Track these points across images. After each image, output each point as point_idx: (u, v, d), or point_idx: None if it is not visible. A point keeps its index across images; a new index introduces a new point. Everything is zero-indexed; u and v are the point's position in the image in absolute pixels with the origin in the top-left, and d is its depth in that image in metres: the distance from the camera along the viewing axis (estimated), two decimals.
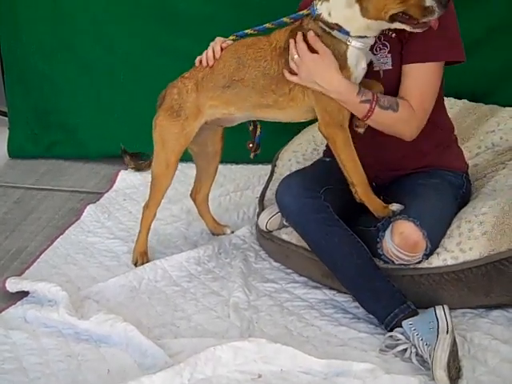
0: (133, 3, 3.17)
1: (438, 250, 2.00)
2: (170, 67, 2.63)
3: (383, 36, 1.99)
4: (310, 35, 1.94)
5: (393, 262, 1.98)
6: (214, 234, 2.58)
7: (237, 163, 3.25)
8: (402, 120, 1.98)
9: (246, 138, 3.08)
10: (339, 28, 1.91)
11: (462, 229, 2.01)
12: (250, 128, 2.28)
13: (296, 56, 1.95)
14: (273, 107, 2.07)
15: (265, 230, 2.37)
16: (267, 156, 2.87)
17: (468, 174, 2.25)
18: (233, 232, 2.57)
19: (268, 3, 2.90)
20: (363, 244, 2.03)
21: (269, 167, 2.78)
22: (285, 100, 2.04)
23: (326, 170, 2.19)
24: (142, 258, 2.39)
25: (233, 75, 2.07)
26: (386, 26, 1.89)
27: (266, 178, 2.70)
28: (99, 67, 3.29)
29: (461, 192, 2.17)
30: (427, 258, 1.99)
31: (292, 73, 1.98)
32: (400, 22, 1.85)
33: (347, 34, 1.91)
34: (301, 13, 2.01)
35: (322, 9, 1.93)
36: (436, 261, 1.99)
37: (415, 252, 1.93)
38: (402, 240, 1.91)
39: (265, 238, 2.40)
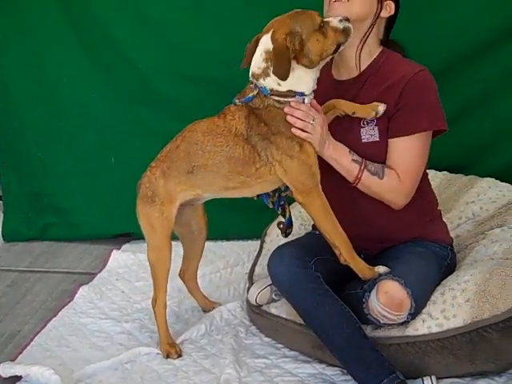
0: (123, 88, 3.30)
1: (424, 316, 2.03)
2: (159, 150, 2.71)
3: None
4: (291, 105, 2.00)
5: (379, 321, 2.00)
6: (205, 311, 2.60)
7: (227, 239, 3.33)
8: (388, 188, 2.08)
9: (236, 214, 3.18)
10: (294, 94, 2.01)
11: (445, 296, 2.05)
12: (279, 212, 2.28)
13: (312, 120, 2.00)
14: (240, 187, 2.13)
15: (254, 304, 2.40)
16: (256, 232, 2.96)
17: (453, 247, 2.32)
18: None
19: None
20: (352, 314, 2.07)
21: (258, 243, 2.83)
22: (252, 179, 2.09)
23: (316, 241, 2.23)
24: (173, 349, 2.33)
25: (193, 161, 2.12)
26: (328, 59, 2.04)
27: (256, 253, 2.75)
28: (91, 151, 3.39)
29: (445, 263, 2.22)
30: (412, 318, 2.01)
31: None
32: (336, 50, 2.03)
33: (303, 94, 2.02)
34: (250, 95, 2.04)
35: (269, 83, 2.01)
36: (421, 328, 2.02)
37: (400, 311, 1.96)
38: (387, 299, 1.94)
39: (255, 312, 2.43)
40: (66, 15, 3.23)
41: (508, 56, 2.96)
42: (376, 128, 2.10)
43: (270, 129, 2.02)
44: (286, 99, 2.01)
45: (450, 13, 2.90)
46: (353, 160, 2.07)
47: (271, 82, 2.00)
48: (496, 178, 2.82)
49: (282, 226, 2.28)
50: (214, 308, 2.58)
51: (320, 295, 2.07)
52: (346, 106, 2.10)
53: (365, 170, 2.06)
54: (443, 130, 2.12)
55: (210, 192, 2.20)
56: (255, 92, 2.03)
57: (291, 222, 2.29)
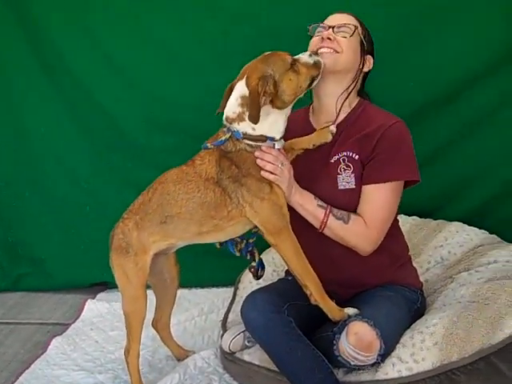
0: (98, 138, 3.35)
1: (393, 360, 2.06)
2: (134, 198, 2.74)
3: (347, 158, 2.17)
4: (262, 150, 2.06)
5: (349, 363, 2.02)
6: (179, 360, 2.59)
7: (202, 287, 3.34)
8: (353, 233, 2.13)
9: (210, 260, 3.20)
10: (265, 138, 2.06)
11: (414, 339, 2.08)
12: (248, 258, 2.30)
13: (281, 165, 2.05)
14: (213, 231, 2.15)
15: (228, 351, 2.40)
16: (231, 278, 2.98)
17: (423, 291, 2.36)
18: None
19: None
20: (324, 359, 2.08)
21: (232, 290, 2.85)
22: (224, 222, 2.11)
23: (289, 286, 2.26)
24: None
25: (166, 212, 2.13)
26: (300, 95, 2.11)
27: (229, 300, 2.76)
28: (66, 200, 3.41)
29: (415, 306, 2.26)
30: (382, 360, 2.03)
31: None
32: (310, 84, 2.11)
33: (273, 139, 2.07)
34: (222, 139, 2.08)
35: (244, 127, 2.06)
36: (392, 372, 2.04)
37: (370, 352, 1.98)
38: (357, 340, 1.97)
39: (228, 359, 2.43)
40: (43, 67, 3.30)
41: (471, 108, 3.07)
42: (352, 175, 2.16)
43: (240, 171, 2.06)
44: (257, 143, 2.07)
45: (422, 57, 3.01)
46: (318, 205, 2.13)
47: (246, 127, 2.06)
48: (464, 222, 2.90)
49: (253, 269, 2.30)
50: (187, 356, 2.57)
51: (293, 340, 2.09)
52: (303, 143, 2.18)
53: (330, 215, 2.12)
54: (416, 180, 2.18)
55: (184, 239, 2.22)
56: (228, 135, 2.08)
57: (263, 265, 2.31)
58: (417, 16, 2.98)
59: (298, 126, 2.24)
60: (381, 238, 2.16)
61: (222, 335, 2.49)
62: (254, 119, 2.00)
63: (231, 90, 2.10)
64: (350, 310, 2.10)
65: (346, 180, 2.16)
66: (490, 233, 2.85)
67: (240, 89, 2.06)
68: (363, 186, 2.15)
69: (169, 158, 3.15)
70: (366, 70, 2.25)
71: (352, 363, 2.02)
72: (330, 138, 2.15)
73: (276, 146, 2.09)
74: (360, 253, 2.16)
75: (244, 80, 2.05)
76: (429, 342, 2.05)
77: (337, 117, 2.22)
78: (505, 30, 2.94)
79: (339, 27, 2.19)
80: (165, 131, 3.27)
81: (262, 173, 2.05)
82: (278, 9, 3.02)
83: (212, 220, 2.11)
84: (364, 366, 2.03)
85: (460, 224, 2.88)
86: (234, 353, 2.41)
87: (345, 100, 2.21)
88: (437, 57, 2.99)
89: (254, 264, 2.29)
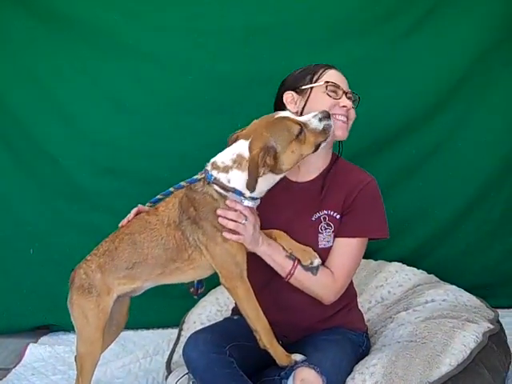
0: (44, 182, 3.34)
1: None
2: (79, 242, 2.75)
3: (328, 217, 2.21)
4: (227, 204, 2.06)
5: None
6: None
7: (147, 328, 3.32)
8: (320, 284, 2.17)
9: (156, 301, 3.18)
10: (234, 190, 2.07)
11: (356, 380, 2.11)
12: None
13: (244, 220, 2.06)
14: (175, 272, 2.18)
15: None
16: (176, 320, 2.98)
17: (368, 334, 2.42)
18: None
19: (171, 176, 3.13)
20: None
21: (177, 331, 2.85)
22: (186, 265, 2.14)
23: (233, 326, 2.28)
24: None
25: (133, 259, 2.16)
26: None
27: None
28: (9, 242, 3.36)
29: (360, 350, 2.31)
30: None
31: (232, 232, 2.06)
32: (315, 151, 2.07)
33: (241, 194, 2.06)
34: (195, 177, 2.12)
35: (220, 176, 2.06)
36: None
37: None
38: None
39: None
40: None
41: (408, 150, 3.21)
42: (332, 234, 2.21)
43: (198, 214, 2.08)
44: (225, 193, 2.07)
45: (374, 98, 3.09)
46: (286, 256, 2.15)
47: (222, 177, 2.07)
48: (403, 263, 2.99)
49: (192, 289, 2.31)
50: None
51: (234, 381, 2.08)
52: (286, 243, 2.17)
53: (298, 266, 2.14)
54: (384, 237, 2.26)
55: (149, 282, 2.22)
56: (201, 176, 2.11)
57: (201, 283, 2.31)
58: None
59: None
60: (344, 288, 2.22)
61: (167, 377, 2.48)
62: (251, 188, 2.02)
63: (235, 141, 2.10)
64: (298, 356, 2.12)
65: (326, 239, 2.22)
66: (429, 273, 2.94)
67: (241, 147, 2.06)
68: (336, 239, 2.21)
69: (114, 201, 3.21)
70: None
71: None
72: (307, 262, 2.13)
73: (244, 204, 2.08)
74: (323, 302, 2.21)
75: (248, 142, 2.05)
76: (369, 382, 2.08)
77: (319, 170, 2.26)
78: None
79: (351, 94, 2.24)
80: (110, 175, 3.29)
81: (224, 234, 2.06)
82: (225, 57, 3.10)
83: (174, 263, 2.14)
84: None
85: (399, 264, 2.97)
86: None
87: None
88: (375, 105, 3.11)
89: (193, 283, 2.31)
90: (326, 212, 2.22)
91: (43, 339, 3.32)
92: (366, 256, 3.07)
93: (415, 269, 2.95)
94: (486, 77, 3.19)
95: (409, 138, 3.23)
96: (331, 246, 2.21)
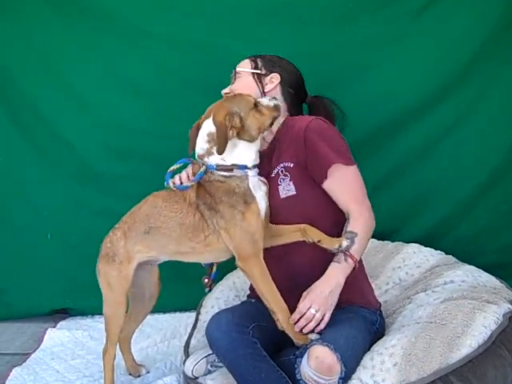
0: (57, 166, 3.34)
1: (354, 382, 2.08)
2: (95, 226, 2.75)
3: (284, 168, 2.26)
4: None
5: None
6: (130, 374, 2.66)
7: (164, 312, 3.33)
8: (364, 228, 2.21)
9: (173, 285, 3.19)
10: (237, 167, 2.19)
11: (374, 361, 2.12)
12: (207, 267, 2.45)
13: (314, 311, 2.11)
14: (191, 253, 2.27)
15: (191, 376, 2.40)
16: (193, 304, 2.98)
17: (381, 312, 2.41)
18: (148, 372, 2.67)
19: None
20: (288, 380, 2.12)
21: (195, 314, 2.84)
22: (201, 246, 2.24)
23: (252, 308, 2.32)
24: None
25: (150, 222, 2.27)
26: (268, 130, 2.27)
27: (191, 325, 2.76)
28: (26, 228, 3.38)
29: (374, 328, 2.30)
30: (344, 382, 2.05)
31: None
32: (271, 123, 2.25)
33: (245, 167, 2.20)
34: (199, 173, 2.22)
35: (214, 160, 2.20)
36: None
37: (331, 375, 2.01)
38: (317, 364, 2.00)
39: None
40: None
41: (424, 130, 3.17)
42: (291, 183, 2.25)
43: (213, 199, 2.18)
44: (230, 173, 2.19)
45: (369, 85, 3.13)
46: (334, 261, 2.17)
47: (215, 159, 2.20)
48: (420, 244, 2.96)
49: (207, 280, 2.43)
50: (139, 372, 2.65)
51: (257, 361, 2.12)
52: (314, 234, 2.20)
53: (348, 253, 2.17)
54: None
55: (164, 254, 2.34)
56: (203, 169, 2.21)
57: (214, 277, 2.45)
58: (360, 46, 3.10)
59: None
60: (370, 206, 2.25)
61: (185, 361, 2.49)
62: (220, 150, 2.14)
63: (197, 129, 2.24)
64: (313, 335, 2.13)
65: (286, 188, 2.26)
66: (446, 253, 2.91)
67: (207, 127, 2.21)
68: (325, 186, 2.23)
69: (128, 184, 3.23)
70: (268, 88, 2.37)
71: None
72: (335, 246, 2.18)
73: (250, 174, 2.20)
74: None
75: (211, 118, 2.20)
76: (388, 363, 2.08)
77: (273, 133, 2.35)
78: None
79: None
80: (125, 159, 3.29)
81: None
82: (238, 39, 3.09)
83: (189, 242, 2.23)
84: None
85: (416, 245, 2.94)
86: (197, 378, 2.40)
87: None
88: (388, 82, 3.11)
89: (210, 274, 2.44)
90: (281, 165, 2.28)
91: (62, 324, 3.33)
92: (383, 238, 3.10)
93: (433, 250, 2.92)
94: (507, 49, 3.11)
95: (425, 116, 3.18)
96: (294, 194, 2.24)
